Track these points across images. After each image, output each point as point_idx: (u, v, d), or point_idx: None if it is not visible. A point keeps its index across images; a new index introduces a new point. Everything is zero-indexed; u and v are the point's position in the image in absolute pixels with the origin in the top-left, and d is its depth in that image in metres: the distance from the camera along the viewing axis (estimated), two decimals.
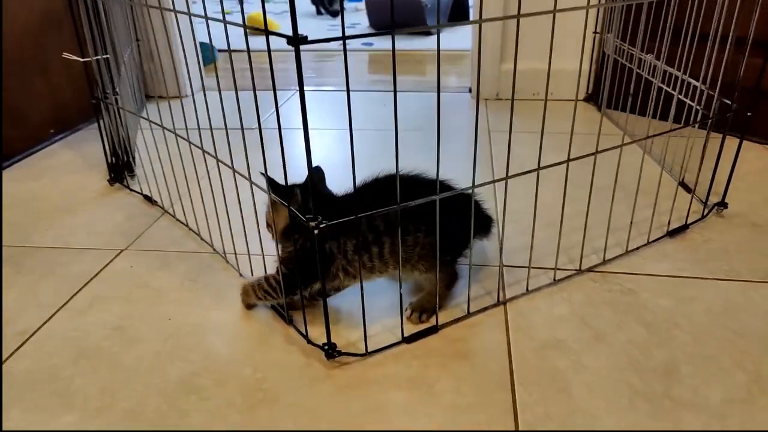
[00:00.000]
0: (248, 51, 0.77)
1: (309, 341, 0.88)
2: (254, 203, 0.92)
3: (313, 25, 3.88)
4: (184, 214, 1.26)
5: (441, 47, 3.22)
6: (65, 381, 0.84)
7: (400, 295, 0.87)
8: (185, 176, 1.19)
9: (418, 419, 0.75)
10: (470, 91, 2.22)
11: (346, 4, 4.35)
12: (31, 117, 1.78)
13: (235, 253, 1.07)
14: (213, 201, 1.10)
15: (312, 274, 0.86)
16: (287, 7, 4.45)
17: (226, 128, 0.92)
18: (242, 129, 0.84)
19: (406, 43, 3.15)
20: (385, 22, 3.41)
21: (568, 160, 0.88)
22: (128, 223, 1.31)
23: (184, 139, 1.06)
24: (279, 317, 0.96)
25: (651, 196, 1.16)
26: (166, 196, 1.35)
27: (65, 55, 1.34)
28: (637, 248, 1.11)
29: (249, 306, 0.97)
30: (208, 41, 2.47)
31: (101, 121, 1.43)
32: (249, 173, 0.87)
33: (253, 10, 4.43)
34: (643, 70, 1.56)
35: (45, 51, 1.81)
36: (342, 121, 1.94)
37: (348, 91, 0.68)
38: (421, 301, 0.94)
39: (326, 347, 0.84)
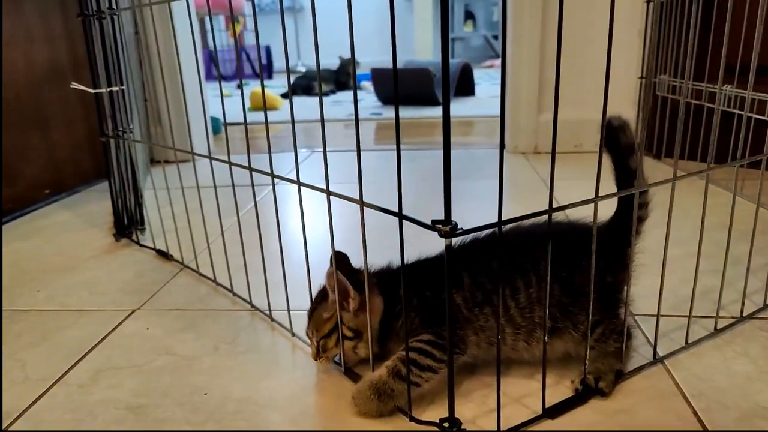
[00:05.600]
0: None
1: (412, 418, 0.62)
2: (307, 254, 0.72)
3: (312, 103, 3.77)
4: (213, 268, 1.01)
5: (452, 114, 3.12)
6: None
7: (544, 346, 0.63)
8: (205, 229, 0.99)
9: None
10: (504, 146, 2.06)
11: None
12: (25, 175, 1.56)
13: (288, 310, 0.82)
14: (243, 253, 0.88)
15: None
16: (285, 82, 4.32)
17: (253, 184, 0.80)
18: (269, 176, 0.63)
19: (414, 112, 3.02)
20: (392, 94, 3.32)
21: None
22: (140, 280, 1.06)
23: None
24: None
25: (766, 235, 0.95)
26: (186, 250, 1.11)
27: (74, 85, 1.15)
28: None
29: (382, 413, 0.64)
30: (216, 115, 2.42)
31: (110, 163, 1.21)
32: (278, 221, 0.66)
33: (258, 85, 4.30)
34: (721, 105, 1.41)
35: (45, 106, 1.63)
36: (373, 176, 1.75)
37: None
38: (595, 361, 0.68)
39: (446, 425, 0.58)
